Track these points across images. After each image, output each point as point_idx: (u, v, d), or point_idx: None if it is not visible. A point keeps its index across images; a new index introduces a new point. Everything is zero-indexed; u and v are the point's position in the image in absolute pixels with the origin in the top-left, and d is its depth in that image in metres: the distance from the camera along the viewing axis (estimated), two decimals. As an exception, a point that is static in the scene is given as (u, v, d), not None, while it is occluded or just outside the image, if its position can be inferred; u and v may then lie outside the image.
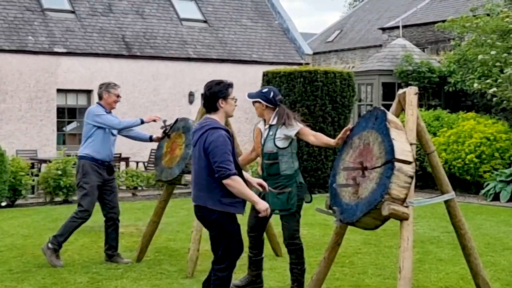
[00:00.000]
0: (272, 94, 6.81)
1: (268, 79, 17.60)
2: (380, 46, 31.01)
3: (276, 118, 6.79)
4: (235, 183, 5.48)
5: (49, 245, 8.32)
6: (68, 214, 12.67)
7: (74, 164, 15.16)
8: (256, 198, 5.62)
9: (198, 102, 19.14)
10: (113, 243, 8.57)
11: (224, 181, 5.49)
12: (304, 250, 6.89)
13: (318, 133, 6.86)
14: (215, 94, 5.71)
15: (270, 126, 6.82)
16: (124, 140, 20.26)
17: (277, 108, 6.83)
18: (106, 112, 8.49)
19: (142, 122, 8.43)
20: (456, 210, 6.26)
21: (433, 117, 17.56)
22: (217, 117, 5.72)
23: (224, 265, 5.67)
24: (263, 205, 5.59)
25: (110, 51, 19.20)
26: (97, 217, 12.13)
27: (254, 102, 6.90)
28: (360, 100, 19.98)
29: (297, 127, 6.72)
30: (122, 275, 7.80)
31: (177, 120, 8.32)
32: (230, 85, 5.80)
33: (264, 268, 7.37)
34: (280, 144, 6.73)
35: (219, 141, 5.53)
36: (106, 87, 8.58)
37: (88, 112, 8.57)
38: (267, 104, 6.81)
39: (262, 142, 6.85)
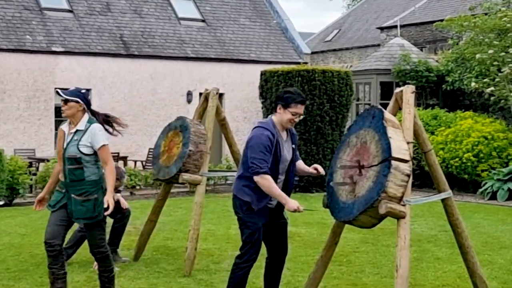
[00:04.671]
0: (89, 97, 6.49)
1: (266, 78, 17.61)
2: (378, 45, 31.02)
3: (83, 124, 6.20)
4: (264, 181, 5.74)
5: None
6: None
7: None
8: (285, 197, 5.78)
9: (196, 101, 19.13)
10: (115, 239, 8.56)
11: (254, 178, 5.77)
12: (111, 257, 6.50)
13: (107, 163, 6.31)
14: (278, 98, 5.96)
15: (77, 130, 6.21)
16: (122, 139, 20.25)
17: (88, 114, 6.31)
18: None
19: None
20: (453, 208, 6.26)
21: (431, 116, 17.57)
22: (275, 119, 5.95)
23: (240, 253, 5.98)
24: (292, 204, 5.73)
25: (108, 50, 19.19)
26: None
27: (67, 101, 6.21)
28: (358, 99, 20.00)
29: (102, 142, 6.20)
30: (119, 274, 7.80)
31: None
32: (296, 100, 5.88)
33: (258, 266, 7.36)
34: (85, 150, 6.17)
35: (261, 139, 5.79)
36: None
37: None
38: (85, 107, 6.27)
39: (64, 146, 6.24)
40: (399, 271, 5.36)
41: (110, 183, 6.17)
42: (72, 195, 6.16)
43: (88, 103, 6.31)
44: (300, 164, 6.24)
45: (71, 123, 6.31)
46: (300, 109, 5.92)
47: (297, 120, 5.96)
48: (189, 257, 7.80)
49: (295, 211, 5.73)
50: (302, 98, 5.95)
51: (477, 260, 6.47)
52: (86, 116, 6.29)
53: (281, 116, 5.91)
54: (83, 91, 6.36)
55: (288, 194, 6.06)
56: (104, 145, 6.19)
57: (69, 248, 8.28)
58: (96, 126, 6.23)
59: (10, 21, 18.47)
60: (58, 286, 6.31)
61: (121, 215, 8.60)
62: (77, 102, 6.21)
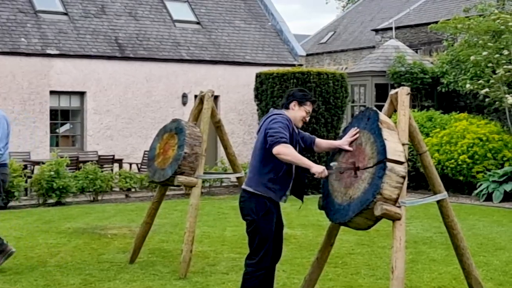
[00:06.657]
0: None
1: (261, 80, 17.62)
2: (373, 47, 31.06)
3: None
4: (285, 149, 5.62)
5: None
6: (61, 216, 12.66)
7: (67, 165, 15.17)
8: (309, 162, 5.67)
9: (191, 103, 19.12)
10: None
11: (275, 149, 5.62)
12: None
13: None
14: (293, 96, 6.01)
15: None
16: (117, 142, 20.20)
17: None
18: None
19: None
20: (448, 210, 6.27)
21: (426, 118, 17.60)
22: (286, 113, 5.96)
23: (253, 261, 5.83)
24: (317, 168, 5.62)
25: (103, 53, 19.16)
26: (89, 219, 12.09)
27: None
28: (353, 101, 20.02)
29: None
30: (115, 277, 7.79)
31: None
32: (310, 99, 6.02)
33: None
34: None
35: (279, 119, 5.78)
36: None
37: None
38: None
39: None
40: (395, 273, 5.36)
41: None
42: None
43: None
44: (321, 142, 6.17)
45: None
46: (311, 108, 6.03)
47: (307, 119, 6.01)
48: (185, 260, 7.80)
49: (319, 174, 5.58)
50: (314, 97, 6.06)
51: (473, 261, 6.47)
52: None
53: (295, 113, 5.95)
54: None
55: (302, 193, 6.05)
56: None
57: None
58: None
59: (5, 24, 18.44)
60: None
61: None
62: None
